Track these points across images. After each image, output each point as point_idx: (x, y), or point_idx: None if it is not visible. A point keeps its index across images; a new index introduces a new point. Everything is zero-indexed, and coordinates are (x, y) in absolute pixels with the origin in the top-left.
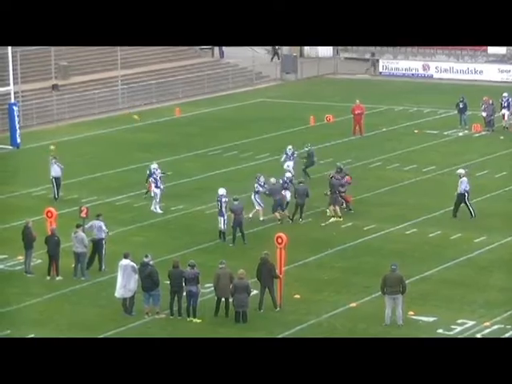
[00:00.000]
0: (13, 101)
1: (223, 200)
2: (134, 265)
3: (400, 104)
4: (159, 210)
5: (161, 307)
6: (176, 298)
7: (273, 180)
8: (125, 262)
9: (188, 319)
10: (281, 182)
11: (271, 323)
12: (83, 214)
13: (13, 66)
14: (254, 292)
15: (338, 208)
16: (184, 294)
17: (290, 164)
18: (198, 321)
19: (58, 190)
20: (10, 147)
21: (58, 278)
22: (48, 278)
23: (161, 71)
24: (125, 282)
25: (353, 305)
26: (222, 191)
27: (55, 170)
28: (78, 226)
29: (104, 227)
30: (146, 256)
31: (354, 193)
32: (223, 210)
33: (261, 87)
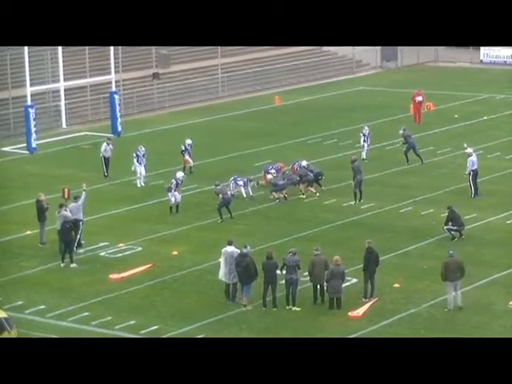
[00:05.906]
0: (114, 89)
1: (179, 182)
2: (239, 251)
3: (501, 92)
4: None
5: (249, 300)
6: (270, 289)
7: (304, 163)
8: (230, 248)
9: (287, 307)
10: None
11: (370, 312)
12: (66, 196)
13: (114, 54)
14: (354, 281)
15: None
16: (283, 281)
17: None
18: (298, 309)
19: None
20: (112, 135)
21: (72, 266)
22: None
23: (260, 59)
24: (230, 269)
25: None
26: (180, 174)
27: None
28: (60, 206)
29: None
30: (245, 246)
31: (456, 182)
32: (178, 188)
33: (361, 75)
